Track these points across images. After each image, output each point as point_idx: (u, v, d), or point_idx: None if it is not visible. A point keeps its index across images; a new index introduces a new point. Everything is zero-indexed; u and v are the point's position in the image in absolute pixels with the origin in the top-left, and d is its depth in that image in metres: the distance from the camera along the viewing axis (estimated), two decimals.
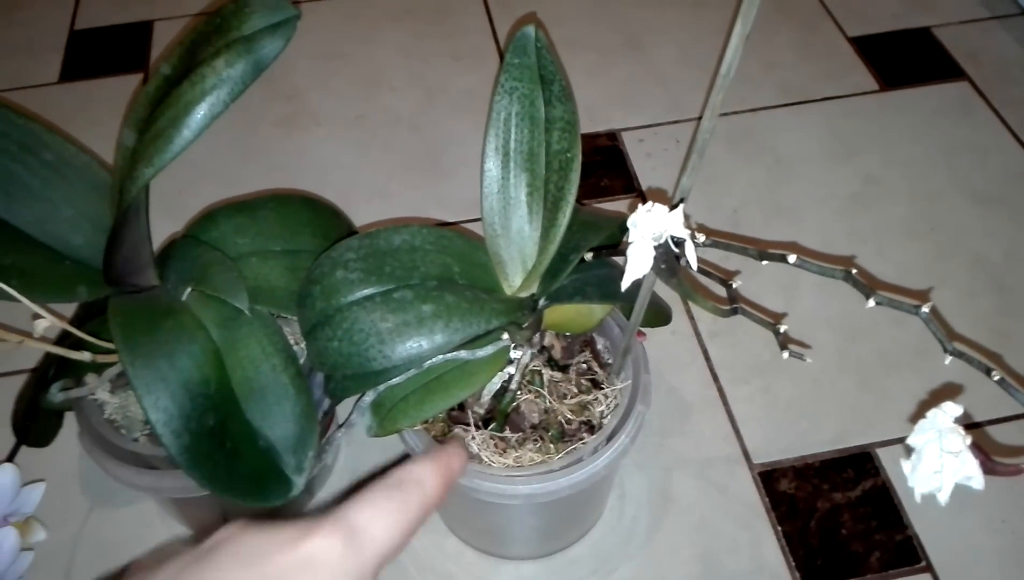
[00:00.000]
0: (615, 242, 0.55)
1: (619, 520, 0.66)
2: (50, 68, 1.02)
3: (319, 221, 0.58)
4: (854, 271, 0.40)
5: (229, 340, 0.50)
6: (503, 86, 0.51)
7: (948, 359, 0.38)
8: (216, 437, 0.48)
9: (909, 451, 0.35)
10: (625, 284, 0.41)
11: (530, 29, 0.50)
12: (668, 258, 0.41)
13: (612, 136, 0.93)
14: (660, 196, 0.87)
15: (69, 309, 0.59)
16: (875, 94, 0.96)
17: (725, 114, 0.94)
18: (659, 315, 0.63)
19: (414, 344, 0.46)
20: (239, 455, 0.49)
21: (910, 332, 0.76)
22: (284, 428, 0.51)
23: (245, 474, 0.49)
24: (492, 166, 0.51)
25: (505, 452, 0.53)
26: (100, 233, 0.52)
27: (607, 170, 0.90)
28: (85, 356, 0.52)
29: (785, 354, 0.43)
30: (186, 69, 0.49)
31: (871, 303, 0.39)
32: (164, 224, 0.82)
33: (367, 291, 0.47)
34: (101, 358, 0.53)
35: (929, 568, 0.63)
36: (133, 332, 0.48)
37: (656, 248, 0.40)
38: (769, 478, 0.68)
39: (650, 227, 0.40)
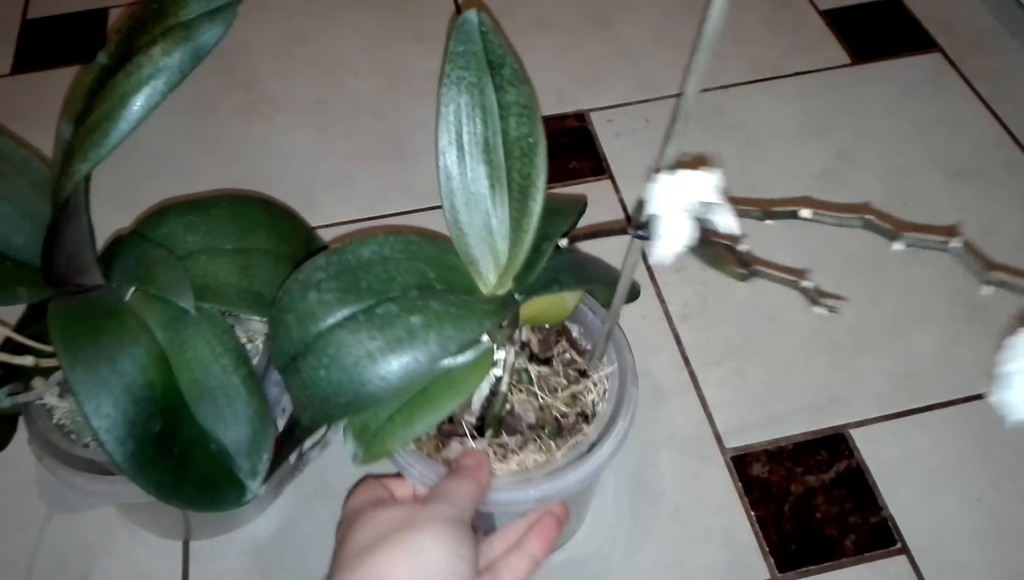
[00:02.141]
0: (574, 226, 0.54)
1: (591, 509, 0.65)
2: (2, 60, 0.99)
3: (274, 222, 0.56)
4: (871, 217, 0.36)
5: (175, 341, 0.48)
6: (449, 77, 0.48)
7: (985, 290, 0.35)
8: (163, 443, 0.46)
9: (1002, 380, 0.32)
10: (658, 261, 0.39)
11: (471, 14, 0.48)
12: (696, 225, 0.37)
13: (580, 117, 0.91)
14: (630, 177, 0.86)
15: (15, 311, 0.56)
16: (847, 68, 0.94)
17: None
18: (630, 293, 0.61)
19: (409, 359, 0.43)
20: (189, 460, 0.47)
21: (883, 310, 0.75)
22: (237, 431, 0.49)
23: (196, 480, 0.47)
24: (448, 162, 0.48)
25: (506, 458, 0.51)
26: (42, 232, 0.50)
27: (575, 152, 0.88)
28: (28, 361, 0.51)
29: (817, 309, 0.40)
30: (123, 58, 0.47)
31: (898, 246, 0.35)
32: (118, 217, 0.80)
33: (347, 311, 0.44)
34: (45, 362, 0.51)
35: (905, 550, 0.62)
36: (73, 335, 0.46)
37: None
38: (742, 462, 0.67)
39: (682, 195, 0.37)
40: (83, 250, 0.50)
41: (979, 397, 0.70)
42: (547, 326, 0.57)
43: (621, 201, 0.84)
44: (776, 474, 0.66)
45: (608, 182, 0.85)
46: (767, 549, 0.63)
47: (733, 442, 0.68)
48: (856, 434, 0.68)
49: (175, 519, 0.62)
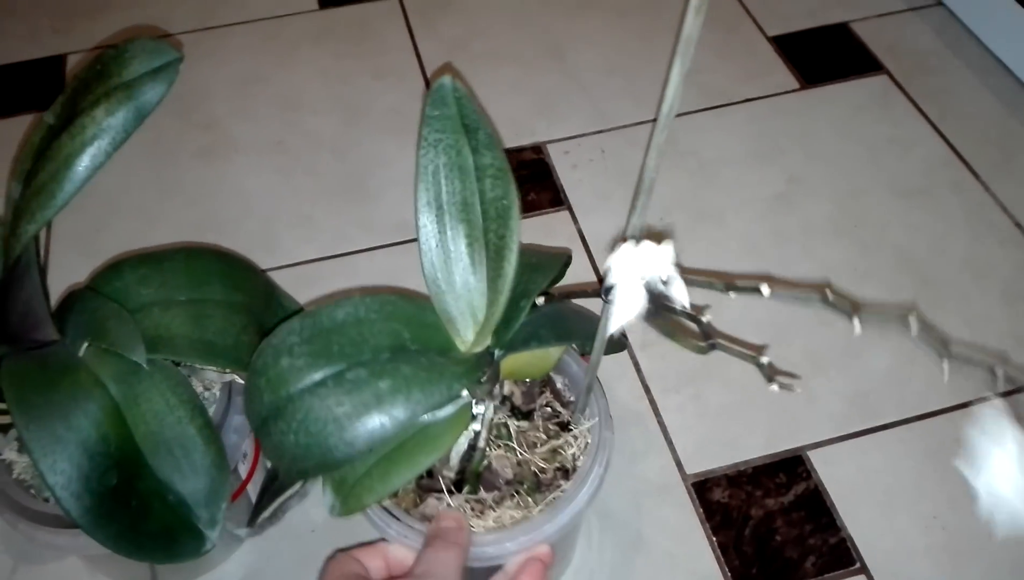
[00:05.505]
0: (559, 278, 0.55)
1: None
2: None
3: (230, 273, 0.57)
4: (830, 295, 0.38)
5: (129, 395, 0.49)
6: (427, 139, 0.49)
7: (947, 367, 0.37)
8: (120, 496, 0.47)
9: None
10: (614, 330, 0.41)
11: (447, 80, 0.49)
12: (650, 297, 0.39)
13: (537, 149, 0.92)
14: (591, 213, 0.87)
15: None
16: (796, 93, 0.96)
17: (648, 121, 0.94)
18: (613, 345, 0.59)
19: (375, 424, 0.43)
20: (147, 512, 0.48)
21: (836, 331, 0.76)
22: (195, 481, 0.49)
23: (154, 531, 0.48)
24: (427, 221, 0.49)
25: (483, 514, 0.52)
26: None
27: (533, 183, 0.89)
28: None
29: (774, 387, 0.41)
30: (69, 118, 0.47)
31: (856, 325, 0.37)
32: (79, 262, 0.81)
33: (317, 376, 0.44)
34: (2, 419, 0.52)
35: (864, 569, 0.63)
36: (26, 393, 0.46)
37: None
38: (703, 488, 0.68)
39: (638, 267, 0.38)
40: (36, 307, 0.50)
41: (933, 415, 0.71)
42: (528, 379, 0.57)
43: (580, 232, 0.85)
44: (736, 498, 0.67)
45: (566, 213, 0.86)
46: (729, 574, 0.63)
47: (694, 468, 0.69)
48: (813, 455, 0.69)
49: (140, 568, 0.62)
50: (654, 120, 0.93)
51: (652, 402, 0.73)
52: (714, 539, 0.65)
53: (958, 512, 0.66)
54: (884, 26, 1.03)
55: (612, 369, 0.75)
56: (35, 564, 0.66)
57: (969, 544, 0.64)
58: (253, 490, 0.63)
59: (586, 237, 0.84)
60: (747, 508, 0.67)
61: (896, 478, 0.68)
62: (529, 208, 0.87)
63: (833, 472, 0.68)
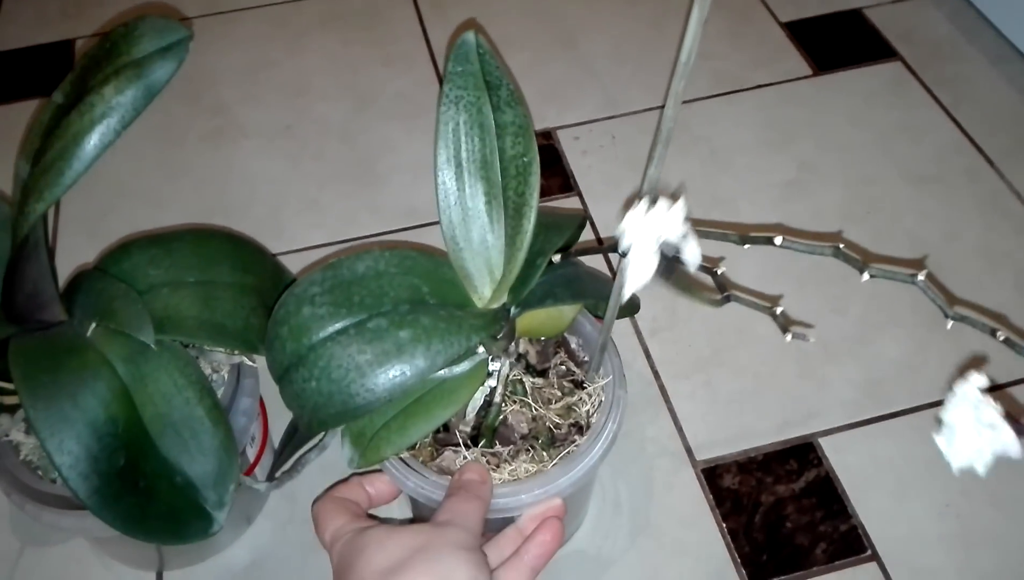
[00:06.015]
0: (574, 240, 0.55)
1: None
2: None
3: (239, 254, 0.56)
4: (842, 246, 0.39)
5: (137, 375, 0.48)
6: (448, 96, 0.49)
7: (950, 324, 0.37)
8: (128, 477, 0.46)
9: (940, 425, 0.35)
10: (628, 295, 0.42)
11: (470, 35, 0.49)
12: (663, 257, 0.40)
13: (547, 135, 0.92)
14: (602, 195, 0.86)
15: None
16: (809, 79, 0.95)
17: (658, 108, 0.93)
18: (628, 306, 0.61)
19: (396, 372, 0.45)
20: (155, 494, 0.47)
21: (849, 319, 0.75)
22: (203, 463, 0.49)
23: (161, 513, 0.47)
24: (446, 178, 0.49)
25: (499, 467, 0.53)
26: (2, 269, 0.51)
27: (543, 169, 0.88)
28: None
29: (788, 337, 0.42)
30: (77, 97, 0.47)
31: (865, 277, 0.38)
32: (87, 245, 0.81)
33: (339, 325, 0.46)
34: (9, 400, 0.52)
35: (875, 557, 0.63)
36: (34, 373, 0.46)
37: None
38: (713, 474, 0.67)
39: (652, 231, 0.38)
40: (44, 287, 0.50)
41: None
42: (544, 338, 0.58)
43: (589, 217, 0.84)
44: (746, 485, 0.67)
45: (576, 199, 0.86)
46: (739, 560, 0.63)
47: (704, 454, 0.69)
48: (825, 443, 0.69)
49: (147, 550, 0.62)
50: (665, 105, 0.93)
51: (662, 388, 0.72)
52: (724, 525, 0.65)
53: (972, 500, 0.65)
54: (898, 12, 1.02)
55: (622, 355, 0.73)
56: (42, 546, 0.66)
57: (983, 533, 0.64)
58: (261, 473, 0.62)
59: (596, 223, 0.84)
60: (757, 495, 0.66)
61: (908, 466, 0.67)
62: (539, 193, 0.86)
63: (844, 459, 0.68)
